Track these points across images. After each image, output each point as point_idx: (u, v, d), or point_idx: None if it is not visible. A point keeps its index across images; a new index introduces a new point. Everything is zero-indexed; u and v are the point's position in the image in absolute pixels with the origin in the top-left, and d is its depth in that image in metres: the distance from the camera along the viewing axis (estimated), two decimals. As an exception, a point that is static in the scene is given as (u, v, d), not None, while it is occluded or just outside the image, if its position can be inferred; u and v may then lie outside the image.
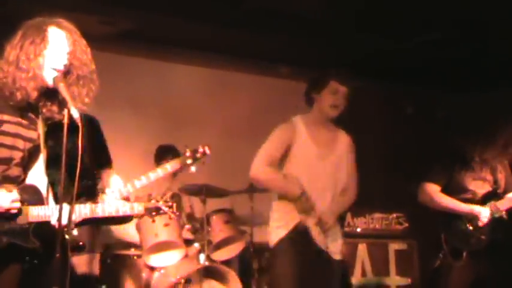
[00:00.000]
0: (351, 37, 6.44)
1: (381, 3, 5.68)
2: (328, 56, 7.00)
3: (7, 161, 3.09)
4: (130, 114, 6.75)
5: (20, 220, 3.03)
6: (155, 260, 5.63)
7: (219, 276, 5.71)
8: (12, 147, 3.09)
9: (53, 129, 3.16)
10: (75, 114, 2.98)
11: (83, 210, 3.16)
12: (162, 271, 5.67)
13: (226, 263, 5.91)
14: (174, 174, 6.44)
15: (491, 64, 6.83)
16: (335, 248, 4.42)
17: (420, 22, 6.03)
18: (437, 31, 6.23)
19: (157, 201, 3.45)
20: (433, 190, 4.95)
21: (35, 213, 3.06)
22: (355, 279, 6.57)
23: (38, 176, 3.15)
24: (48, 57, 3.10)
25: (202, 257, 5.74)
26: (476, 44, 6.43)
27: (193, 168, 4.08)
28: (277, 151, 4.45)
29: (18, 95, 3.07)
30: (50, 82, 3.10)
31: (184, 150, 4.02)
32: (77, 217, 3.09)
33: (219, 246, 5.89)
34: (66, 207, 2.92)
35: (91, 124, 3.47)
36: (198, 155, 4.02)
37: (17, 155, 3.09)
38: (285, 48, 6.82)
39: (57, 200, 3.08)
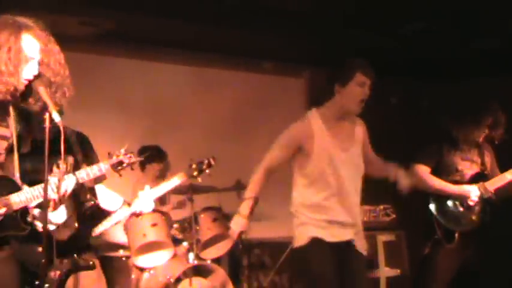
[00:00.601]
0: (335, 30, 6.44)
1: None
2: (312, 50, 7.01)
3: None
4: (115, 114, 6.72)
5: (6, 211, 3.06)
6: (144, 260, 5.62)
7: (209, 275, 5.71)
8: None
9: (24, 118, 3.19)
10: (57, 118, 3.00)
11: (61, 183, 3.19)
12: (151, 271, 5.66)
13: (216, 261, 5.91)
14: (158, 177, 6.47)
15: (473, 54, 6.86)
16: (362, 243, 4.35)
17: (404, 12, 6.02)
18: (420, 21, 6.24)
19: (118, 156, 3.48)
20: (423, 171, 5.00)
21: (17, 199, 3.10)
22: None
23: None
24: (21, 67, 3.07)
25: (191, 256, 5.73)
26: (458, 33, 6.44)
27: (199, 180, 4.36)
28: (282, 152, 4.29)
29: None
30: (20, 87, 3.09)
31: (190, 163, 4.21)
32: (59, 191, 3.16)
33: (208, 244, 5.88)
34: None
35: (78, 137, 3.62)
36: (204, 167, 4.24)
37: None
38: (268, 43, 6.81)
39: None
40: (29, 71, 3.10)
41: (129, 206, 3.98)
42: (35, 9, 5.70)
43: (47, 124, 3.04)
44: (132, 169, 3.60)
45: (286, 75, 7.84)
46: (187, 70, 7.26)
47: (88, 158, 3.64)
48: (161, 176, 6.56)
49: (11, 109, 3.18)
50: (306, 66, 7.69)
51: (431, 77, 7.51)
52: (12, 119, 3.17)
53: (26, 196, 3.13)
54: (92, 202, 3.70)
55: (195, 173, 4.25)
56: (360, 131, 4.41)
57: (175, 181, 4.10)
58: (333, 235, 4.16)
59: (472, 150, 5.06)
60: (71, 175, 3.33)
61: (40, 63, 3.13)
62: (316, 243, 4.11)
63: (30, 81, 3.11)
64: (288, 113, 7.56)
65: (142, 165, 6.41)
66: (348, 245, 4.22)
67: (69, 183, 3.30)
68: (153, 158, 6.44)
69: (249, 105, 7.45)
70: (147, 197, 3.93)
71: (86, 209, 3.65)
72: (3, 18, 3.11)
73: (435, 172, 5.00)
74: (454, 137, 5.00)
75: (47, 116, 3.04)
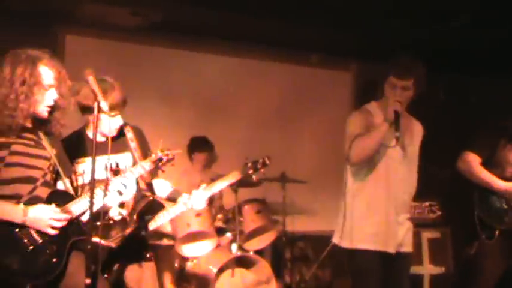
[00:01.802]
0: (382, 24, 6.37)
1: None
2: (359, 43, 6.95)
3: (30, 180, 3.30)
4: (163, 105, 6.79)
5: (69, 218, 3.31)
6: (188, 250, 5.67)
7: (251, 266, 5.72)
8: (33, 167, 3.31)
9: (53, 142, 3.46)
10: (105, 107, 3.14)
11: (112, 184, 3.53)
12: (194, 261, 5.71)
13: (259, 252, 5.92)
14: (206, 166, 6.59)
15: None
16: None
17: (453, 5, 5.92)
18: (467, 14, 6.13)
19: (156, 154, 3.70)
20: (474, 160, 4.86)
21: (75, 208, 3.34)
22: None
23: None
24: (42, 96, 3.27)
25: (234, 246, 5.75)
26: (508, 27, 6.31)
27: (254, 177, 4.46)
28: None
29: (11, 125, 3.24)
30: (43, 114, 3.32)
31: (246, 162, 4.29)
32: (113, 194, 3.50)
33: (251, 236, 5.89)
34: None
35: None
36: (259, 166, 4.30)
37: (39, 174, 3.26)
38: (315, 36, 6.77)
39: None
40: (49, 98, 3.30)
41: (178, 193, 4.08)
42: (87, 1, 5.85)
43: (95, 113, 3.18)
44: (172, 165, 3.71)
45: (333, 69, 7.79)
46: (235, 61, 7.27)
47: (144, 154, 3.79)
48: (208, 166, 6.65)
49: (41, 134, 3.40)
50: (353, 59, 7.63)
51: (481, 71, 7.36)
52: (45, 142, 3.39)
53: (82, 203, 3.35)
54: (150, 198, 3.84)
55: (250, 172, 4.30)
56: (419, 134, 4.42)
57: (229, 179, 4.21)
58: None
59: None
60: (119, 177, 3.58)
61: (57, 90, 3.33)
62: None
63: (51, 108, 3.33)
64: (334, 106, 7.57)
65: (190, 155, 6.55)
66: None
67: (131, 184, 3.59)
68: (200, 148, 6.54)
69: (295, 98, 7.44)
70: (201, 196, 4.03)
71: (143, 205, 3.81)
72: (15, 53, 3.29)
73: (485, 164, 4.87)
74: (511, 134, 4.87)
75: (95, 105, 3.18)
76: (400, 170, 4.15)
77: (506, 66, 7.00)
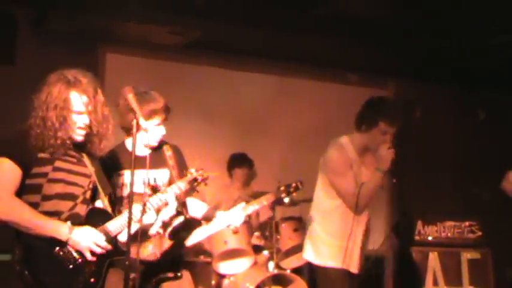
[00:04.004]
0: (422, 41, 6.34)
1: (453, 5, 5.56)
2: (398, 61, 6.92)
3: (71, 197, 3.34)
4: (202, 122, 6.83)
5: (107, 240, 3.33)
6: (225, 267, 5.67)
7: (289, 284, 5.70)
8: (74, 184, 3.35)
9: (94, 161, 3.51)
10: (144, 124, 3.20)
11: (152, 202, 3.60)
12: (231, 278, 5.71)
13: (296, 271, 5.89)
14: (244, 183, 6.61)
15: None
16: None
17: (492, 24, 5.87)
18: (507, 33, 6.06)
19: (191, 174, 3.76)
20: None
21: (113, 228, 3.37)
22: (427, 288, 6.45)
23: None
24: (72, 120, 3.30)
25: (271, 264, 5.74)
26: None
27: (286, 200, 4.60)
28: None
29: (54, 144, 3.28)
30: (77, 138, 3.35)
31: (279, 185, 4.37)
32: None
33: (288, 254, 5.87)
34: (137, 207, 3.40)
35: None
36: (291, 189, 4.36)
37: (79, 191, 3.29)
38: (354, 54, 6.77)
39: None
40: (81, 122, 3.32)
41: (213, 211, 4.11)
42: (125, 19, 5.93)
43: (134, 130, 3.23)
44: (205, 185, 3.76)
45: (371, 87, 7.76)
46: (273, 79, 7.29)
47: (181, 172, 3.83)
48: (246, 183, 6.67)
49: (83, 152, 3.44)
50: (391, 77, 7.60)
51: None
52: (86, 159, 3.44)
53: (121, 222, 3.38)
54: (183, 218, 3.87)
55: (283, 195, 4.37)
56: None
57: (263, 202, 4.26)
58: None
59: None
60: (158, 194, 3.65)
61: (89, 114, 3.33)
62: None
63: (86, 132, 3.35)
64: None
65: (229, 171, 6.59)
66: None
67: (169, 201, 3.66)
68: (239, 164, 6.58)
69: (334, 116, 7.41)
70: (238, 214, 4.08)
71: (177, 225, 3.84)
72: (56, 75, 3.33)
73: None
74: None
75: (134, 122, 3.23)
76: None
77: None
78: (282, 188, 4.35)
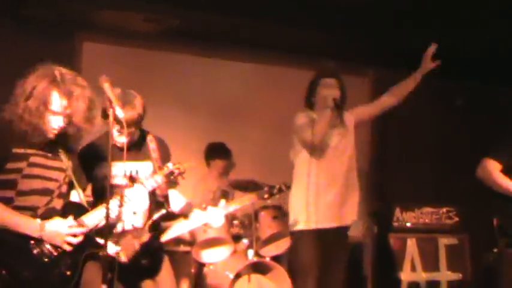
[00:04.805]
0: (400, 31, 6.35)
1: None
2: (376, 50, 6.93)
3: (47, 192, 3.33)
4: (180, 111, 6.79)
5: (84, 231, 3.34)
6: (204, 256, 5.68)
7: (268, 272, 5.71)
8: (49, 179, 3.34)
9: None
10: (121, 114, 3.16)
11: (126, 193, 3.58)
12: (211, 267, 5.72)
13: (275, 258, 5.90)
14: (223, 173, 6.58)
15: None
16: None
17: (470, 15, 5.90)
18: (486, 24, 6.10)
19: (168, 167, 3.74)
20: (494, 167, 4.81)
21: (89, 221, 3.36)
22: (405, 274, 6.50)
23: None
24: (47, 118, 3.27)
25: (250, 253, 5.75)
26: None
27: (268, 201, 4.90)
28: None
29: (32, 136, 3.27)
30: (50, 136, 3.32)
31: (262, 186, 4.63)
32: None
33: (268, 242, 5.88)
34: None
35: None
36: (275, 191, 4.59)
37: (55, 186, 3.26)
38: (333, 43, 6.77)
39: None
40: (55, 124, 3.29)
41: (191, 207, 4.11)
42: (101, 5, 5.88)
43: (111, 119, 3.20)
44: (182, 178, 3.75)
45: (349, 75, 7.77)
46: (251, 67, 7.26)
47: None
48: (226, 173, 6.63)
49: (59, 146, 3.44)
50: (370, 65, 7.61)
51: (503, 79, 7.30)
52: (62, 153, 3.44)
53: (97, 216, 3.37)
54: (164, 211, 3.87)
55: (266, 196, 4.62)
56: (349, 120, 4.88)
57: (245, 202, 4.53)
58: None
59: None
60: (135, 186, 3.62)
61: (67, 117, 3.31)
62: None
63: (59, 132, 3.33)
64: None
65: (207, 162, 6.54)
66: None
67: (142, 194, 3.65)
68: (218, 154, 6.53)
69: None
70: (217, 213, 4.09)
71: (158, 218, 3.84)
72: (45, 69, 3.32)
73: (506, 171, 4.82)
74: None
75: (110, 112, 3.19)
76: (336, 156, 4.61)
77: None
78: (266, 189, 4.44)
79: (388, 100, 4.98)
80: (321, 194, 4.54)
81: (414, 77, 4.98)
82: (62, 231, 3.22)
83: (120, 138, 3.72)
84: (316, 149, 4.52)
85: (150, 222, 3.88)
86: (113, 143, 3.58)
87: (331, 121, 4.52)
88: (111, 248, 3.40)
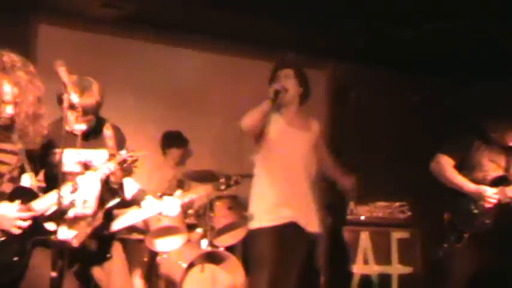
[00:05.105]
0: (359, 24, 6.38)
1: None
2: (335, 43, 6.95)
3: None
4: (135, 99, 6.71)
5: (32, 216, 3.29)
6: (158, 244, 5.64)
7: (222, 262, 5.71)
8: (0, 162, 3.30)
9: None
10: (75, 99, 3.12)
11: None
12: (164, 256, 5.69)
13: (230, 249, 5.90)
14: (179, 162, 6.54)
15: (499, 54, 6.75)
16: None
17: (429, 9, 5.94)
18: (446, 20, 6.15)
19: (120, 155, 3.73)
20: (447, 163, 4.90)
21: (39, 206, 3.32)
22: (357, 267, 6.57)
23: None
24: None
25: (204, 242, 5.73)
26: (485, 33, 6.34)
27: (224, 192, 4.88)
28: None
29: None
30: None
31: (219, 177, 4.64)
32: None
33: (222, 232, 5.87)
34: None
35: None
36: (231, 183, 4.62)
37: (6, 169, 3.24)
38: (292, 35, 6.76)
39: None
40: (4, 112, 3.27)
41: (144, 194, 4.08)
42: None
43: (65, 105, 3.16)
44: (135, 166, 3.73)
45: (308, 68, 7.79)
46: (209, 56, 7.21)
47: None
48: (182, 162, 6.60)
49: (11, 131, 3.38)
50: (329, 59, 7.64)
51: (458, 74, 7.39)
52: (15, 136, 3.38)
53: (47, 202, 3.33)
54: (119, 199, 3.84)
55: (222, 187, 4.64)
56: (314, 126, 4.94)
57: (201, 192, 4.55)
58: None
59: (501, 153, 4.91)
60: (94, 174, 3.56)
61: (16, 105, 3.28)
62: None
63: (9, 118, 3.30)
64: (310, 104, 7.56)
65: (163, 150, 6.50)
66: None
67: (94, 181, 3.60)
68: (174, 143, 6.49)
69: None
70: (173, 203, 4.07)
71: (112, 206, 3.81)
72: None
73: (459, 167, 4.89)
74: (487, 136, 4.90)
75: (65, 96, 3.16)
76: (292, 158, 4.60)
77: (483, 69, 7.05)
78: (222, 180, 4.44)
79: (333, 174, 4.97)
80: (275, 191, 4.55)
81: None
82: (10, 215, 3.17)
83: (78, 125, 3.66)
84: (243, 126, 4.58)
85: (103, 210, 3.83)
86: (68, 130, 3.54)
87: (266, 109, 4.52)
88: (63, 233, 3.36)
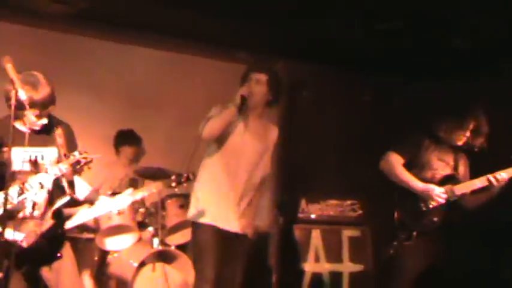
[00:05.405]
0: (310, 23, 6.41)
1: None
2: (286, 42, 6.98)
3: None
4: (88, 97, 6.62)
5: None
6: (108, 243, 5.60)
7: (173, 261, 5.69)
8: None
9: None
10: (23, 96, 3.09)
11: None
12: (115, 255, 5.65)
13: (181, 247, 5.89)
14: (132, 160, 6.51)
15: (450, 53, 6.85)
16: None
17: (380, 10, 6.00)
18: (398, 20, 6.22)
19: (74, 156, 3.69)
20: (397, 161, 4.94)
21: None
22: (309, 265, 6.61)
23: None
24: None
25: (156, 241, 5.72)
26: (435, 34, 6.44)
27: (176, 190, 4.84)
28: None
29: None
30: None
31: (170, 175, 4.54)
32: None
33: (174, 230, 5.86)
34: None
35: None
36: (183, 180, 4.50)
37: None
38: (244, 33, 6.77)
39: None
40: None
41: (96, 193, 4.06)
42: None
43: (13, 101, 3.12)
44: (88, 168, 3.71)
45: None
46: (162, 55, 7.17)
47: (70, 152, 3.74)
48: (135, 160, 6.57)
49: None
50: (280, 58, 7.67)
51: (410, 74, 7.48)
52: None
53: None
54: (68, 198, 3.80)
55: (173, 184, 4.52)
56: (272, 134, 4.92)
57: (151, 189, 4.48)
58: None
59: (449, 153, 5.00)
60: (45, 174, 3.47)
61: None
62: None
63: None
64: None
65: (116, 149, 6.47)
66: None
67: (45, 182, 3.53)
68: (127, 141, 6.46)
69: (222, 94, 7.39)
70: (124, 201, 4.05)
71: (61, 204, 3.76)
72: None
73: (409, 165, 4.95)
74: (436, 135, 4.97)
75: (13, 93, 3.12)
76: (244, 159, 4.58)
77: (434, 69, 7.15)
78: (173, 178, 4.43)
79: None
80: (221, 193, 4.55)
81: None
82: None
83: (40, 121, 3.64)
84: (203, 133, 4.48)
85: (52, 209, 3.79)
86: (16, 127, 3.50)
87: (231, 118, 4.47)
88: (10, 234, 3.30)
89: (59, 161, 3.73)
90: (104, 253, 5.72)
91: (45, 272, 3.85)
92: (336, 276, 6.67)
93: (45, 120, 3.66)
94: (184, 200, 5.91)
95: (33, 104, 3.51)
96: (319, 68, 7.37)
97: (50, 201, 3.80)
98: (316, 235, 6.67)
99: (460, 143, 4.94)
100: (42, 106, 3.59)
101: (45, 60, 5.81)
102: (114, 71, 6.86)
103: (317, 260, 6.66)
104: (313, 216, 6.76)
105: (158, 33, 6.89)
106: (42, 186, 3.60)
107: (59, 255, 3.85)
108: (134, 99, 6.93)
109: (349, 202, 6.89)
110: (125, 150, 6.47)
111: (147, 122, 6.85)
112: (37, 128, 3.68)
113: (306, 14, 6.15)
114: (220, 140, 4.57)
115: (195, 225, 4.58)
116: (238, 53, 7.37)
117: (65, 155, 3.74)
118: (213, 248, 4.46)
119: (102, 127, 6.52)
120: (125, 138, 6.50)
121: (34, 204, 3.69)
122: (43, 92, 3.61)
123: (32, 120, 3.65)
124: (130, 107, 6.88)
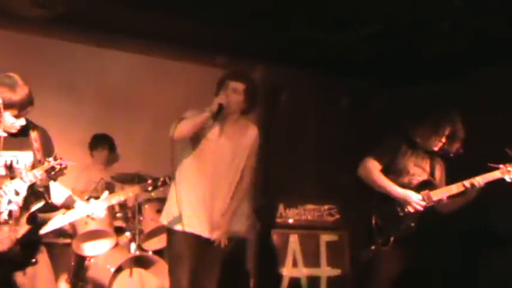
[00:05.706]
0: (288, 28, 6.43)
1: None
2: (264, 45, 6.99)
3: None
4: (66, 101, 6.61)
5: None
6: (85, 248, 5.58)
7: (150, 266, 5.68)
8: None
9: None
10: None
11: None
12: (92, 260, 5.62)
13: (158, 252, 5.87)
14: (107, 164, 6.50)
15: (428, 59, 6.90)
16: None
17: (357, 15, 6.03)
18: (378, 24, 6.25)
19: (49, 162, 3.62)
20: (374, 166, 4.95)
21: None
22: (286, 269, 6.62)
23: None
24: None
25: (133, 246, 5.69)
26: (412, 39, 6.48)
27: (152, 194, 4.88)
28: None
29: None
30: None
31: (147, 179, 4.51)
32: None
33: (151, 235, 5.84)
34: None
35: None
36: (159, 184, 4.45)
37: None
38: (223, 37, 6.77)
39: None
40: None
41: (73, 199, 4.02)
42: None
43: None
44: (63, 174, 3.68)
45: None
46: (139, 59, 7.14)
47: (46, 156, 3.70)
48: (109, 164, 6.56)
49: None
50: (259, 61, 7.68)
51: (387, 79, 7.52)
52: None
53: None
54: (43, 202, 3.76)
55: (150, 188, 4.46)
56: (250, 134, 4.86)
57: (128, 193, 4.37)
58: None
59: (426, 158, 5.03)
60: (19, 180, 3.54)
61: None
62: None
63: None
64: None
65: (91, 152, 6.47)
66: None
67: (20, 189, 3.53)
68: (100, 145, 6.46)
69: (200, 98, 7.37)
70: (100, 205, 4.02)
71: (36, 209, 3.73)
72: None
73: (386, 170, 4.97)
74: (412, 141, 5.00)
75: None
76: (221, 164, 4.57)
77: (412, 74, 7.19)
78: (150, 182, 4.41)
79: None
80: (195, 198, 4.53)
81: None
82: None
83: (18, 121, 3.62)
84: (174, 133, 4.47)
85: (28, 214, 3.75)
86: None
87: (204, 122, 4.44)
88: None
89: (34, 166, 3.70)
90: (81, 258, 5.69)
91: (19, 278, 3.80)
92: (314, 281, 6.68)
93: (23, 121, 3.63)
94: (161, 205, 5.86)
95: (11, 105, 3.50)
96: (297, 73, 7.39)
97: (25, 206, 3.76)
98: (294, 240, 6.68)
99: (436, 149, 4.97)
100: (21, 107, 3.56)
101: (23, 64, 5.75)
102: (91, 74, 6.84)
103: (295, 264, 6.67)
104: (290, 221, 6.77)
105: (136, 37, 6.86)
106: (17, 194, 3.56)
107: (34, 260, 3.81)
108: (112, 102, 6.91)
109: (326, 207, 6.91)
110: (99, 153, 6.50)
111: (125, 125, 6.84)
112: (14, 130, 3.65)
113: (284, 19, 6.17)
114: (195, 143, 4.55)
115: (170, 232, 4.56)
116: (216, 56, 7.37)
117: (39, 161, 3.70)
118: (187, 256, 4.44)
119: (79, 131, 6.51)
120: (100, 142, 6.53)
121: (10, 211, 3.65)
122: (21, 92, 3.59)
123: (9, 123, 3.62)
124: (107, 110, 6.86)
